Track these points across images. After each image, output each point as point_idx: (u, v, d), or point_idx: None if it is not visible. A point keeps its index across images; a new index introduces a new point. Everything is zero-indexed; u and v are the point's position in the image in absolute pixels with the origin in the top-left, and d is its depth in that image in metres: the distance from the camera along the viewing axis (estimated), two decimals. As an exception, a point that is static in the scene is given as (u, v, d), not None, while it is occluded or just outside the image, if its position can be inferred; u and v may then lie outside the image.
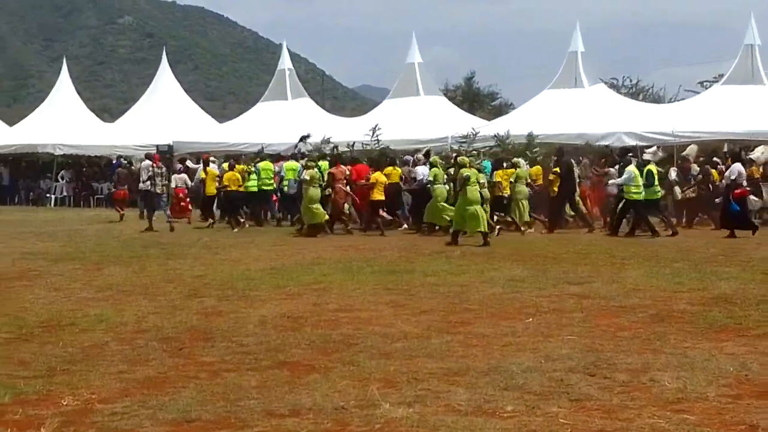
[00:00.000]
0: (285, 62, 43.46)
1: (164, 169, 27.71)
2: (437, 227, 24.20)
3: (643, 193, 23.06)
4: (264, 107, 42.42)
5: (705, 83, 50.89)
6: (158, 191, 26.91)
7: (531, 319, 11.02)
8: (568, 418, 6.90)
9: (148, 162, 27.33)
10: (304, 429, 6.70)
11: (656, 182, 23.50)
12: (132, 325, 10.90)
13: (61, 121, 44.03)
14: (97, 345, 9.72)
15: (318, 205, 24.00)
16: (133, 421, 6.93)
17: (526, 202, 24.94)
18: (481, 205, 21.71)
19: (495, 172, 25.12)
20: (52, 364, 8.78)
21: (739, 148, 27.20)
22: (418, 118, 35.36)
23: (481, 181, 22.73)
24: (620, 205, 23.72)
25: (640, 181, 22.91)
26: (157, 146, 35.96)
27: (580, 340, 9.72)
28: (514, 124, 33.13)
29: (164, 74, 48.44)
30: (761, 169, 27.15)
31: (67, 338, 10.06)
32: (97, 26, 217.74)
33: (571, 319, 11.03)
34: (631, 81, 58.52)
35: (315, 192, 24.12)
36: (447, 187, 24.02)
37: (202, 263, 17.47)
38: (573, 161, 26.06)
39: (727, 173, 24.01)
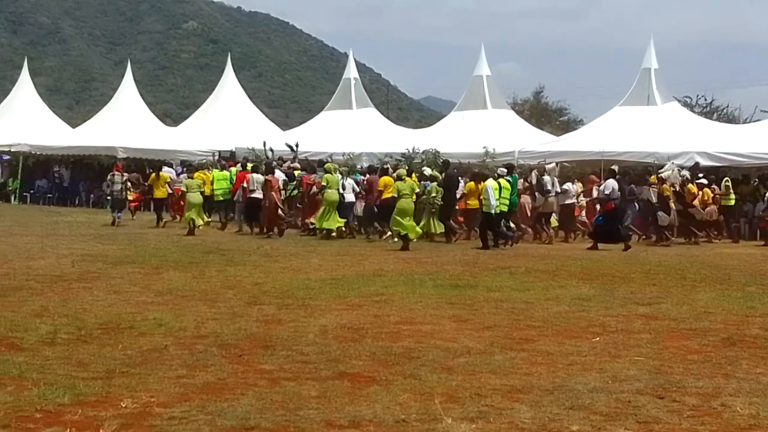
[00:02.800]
0: (351, 71, 43.42)
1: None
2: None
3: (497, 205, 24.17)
4: (328, 116, 42.37)
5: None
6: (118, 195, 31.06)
7: (597, 339, 10.79)
8: (636, 441, 6.69)
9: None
10: (365, 441, 6.56)
11: (503, 196, 24.55)
12: (191, 330, 10.85)
13: (123, 124, 44.31)
14: (156, 349, 9.66)
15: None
16: (191, 426, 6.85)
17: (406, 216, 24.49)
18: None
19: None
20: (111, 367, 8.73)
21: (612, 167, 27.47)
22: (484, 131, 35.06)
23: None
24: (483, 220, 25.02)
25: (497, 194, 24.17)
26: (219, 152, 36.09)
27: (649, 362, 9.49)
28: (583, 141, 32.84)
29: (228, 80, 48.58)
30: (674, 187, 27.59)
31: (126, 341, 10.02)
32: (162, 31, 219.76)
33: (639, 340, 10.78)
34: (705, 100, 57.71)
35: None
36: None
37: (262, 271, 17.42)
38: (457, 175, 27.69)
39: (601, 188, 26.05)
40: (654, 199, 27.27)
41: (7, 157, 45.55)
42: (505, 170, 26.10)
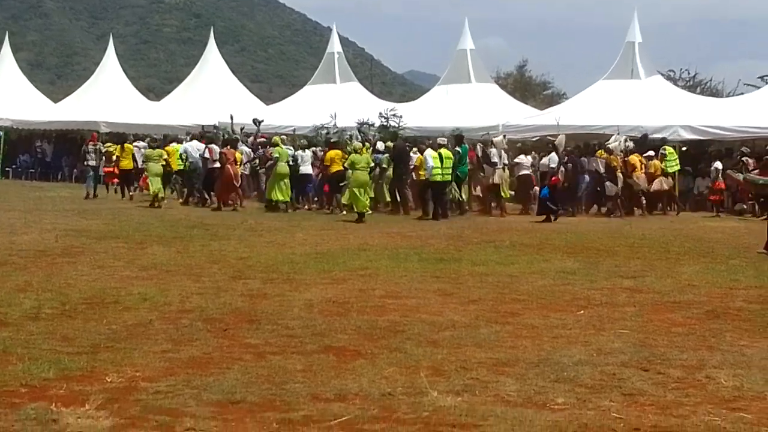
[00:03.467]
0: (334, 45, 43.26)
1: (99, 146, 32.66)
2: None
3: (441, 174, 25.03)
4: (312, 90, 42.24)
5: (765, 78, 50.05)
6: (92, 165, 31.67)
7: (582, 312, 10.83)
8: (621, 413, 6.74)
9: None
10: (351, 414, 6.57)
11: (445, 166, 25.29)
12: (176, 304, 10.83)
13: (106, 98, 44.03)
14: (141, 323, 9.64)
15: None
16: (177, 400, 6.83)
17: (362, 189, 24.90)
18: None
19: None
20: (96, 341, 8.72)
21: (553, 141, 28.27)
22: (468, 106, 35.04)
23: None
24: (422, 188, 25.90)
25: (439, 164, 24.93)
26: (203, 126, 35.92)
27: (633, 335, 9.53)
28: (567, 114, 32.79)
29: (211, 54, 48.28)
30: (620, 157, 27.83)
31: (111, 316, 9.99)
32: (144, 5, 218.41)
33: (624, 313, 10.83)
34: (689, 73, 57.67)
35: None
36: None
37: (247, 245, 17.39)
38: (407, 147, 27.77)
39: (545, 161, 27.02)
40: (602, 170, 27.50)
41: None
42: (445, 140, 27.01)
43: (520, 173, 28.26)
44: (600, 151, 28.14)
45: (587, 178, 27.82)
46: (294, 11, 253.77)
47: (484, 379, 7.60)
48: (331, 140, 29.37)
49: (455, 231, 21.02)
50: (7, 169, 43.59)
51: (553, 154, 26.47)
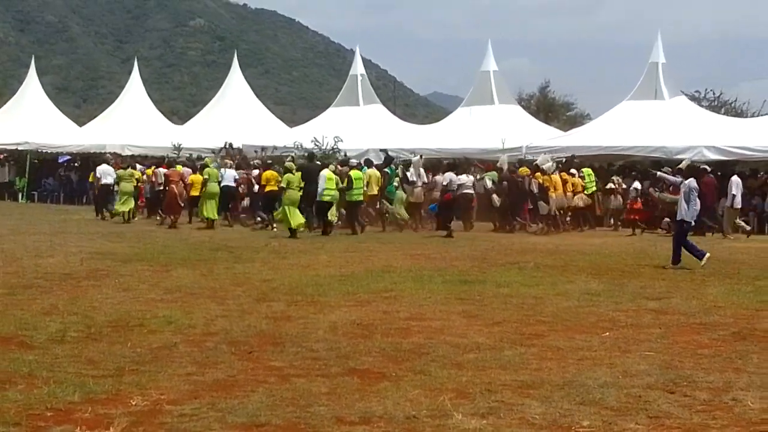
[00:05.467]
0: (357, 68, 43.40)
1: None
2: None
3: (335, 195, 26.28)
4: (335, 112, 42.33)
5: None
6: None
7: (607, 334, 10.77)
8: (648, 436, 6.68)
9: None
10: (375, 437, 6.54)
11: (356, 186, 26.73)
12: (200, 327, 10.84)
13: (130, 122, 44.34)
14: (165, 346, 9.65)
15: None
16: (202, 424, 6.84)
17: (292, 208, 25.72)
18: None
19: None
20: (120, 364, 8.73)
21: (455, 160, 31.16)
22: (492, 127, 35.04)
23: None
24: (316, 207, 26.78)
25: (332, 185, 26.02)
26: (227, 149, 36.10)
27: (659, 357, 9.47)
28: (591, 136, 32.80)
29: (235, 77, 48.51)
30: (553, 176, 28.90)
31: (136, 339, 10.01)
32: (168, 28, 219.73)
33: (649, 334, 10.77)
34: (713, 94, 57.41)
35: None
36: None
37: (271, 268, 17.40)
38: (316, 169, 27.97)
39: (439, 179, 28.29)
40: (536, 190, 28.47)
41: (67, 157, 45.40)
42: (355, 162, 28.94)
43: (461, 192, 28.54)
44: (522, 168, 29.34)
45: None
46: (317, 34, 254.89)
47: (509, 401, 7.57)
48: (268, 162, 30.61)
49: (479, 252, 20.99)
50: (32, 192, 43.83)
51: (449, 174, 28.00)
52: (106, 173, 33.22)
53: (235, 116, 43.44)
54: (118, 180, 31.36)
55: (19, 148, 44.97)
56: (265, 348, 9.65)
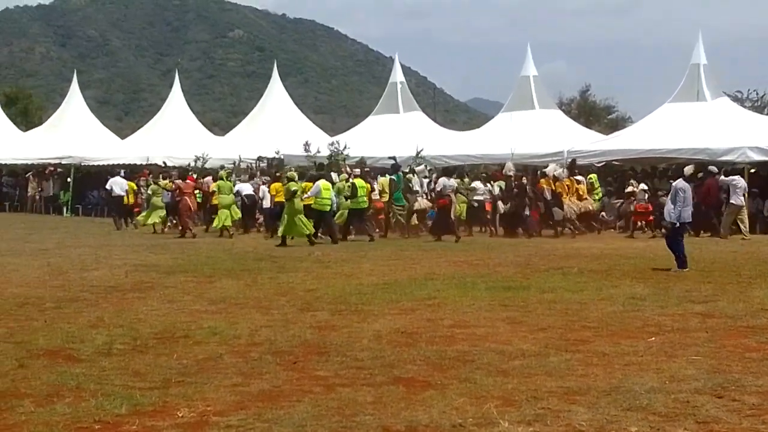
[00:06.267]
0: (397, 75, 43.39)
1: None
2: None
3: (333, 204, 27.09)
4: (376, 120, 42.34)
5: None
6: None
7: (653, 339, 10.69)
8: (696, 441, 6.63)
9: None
10: (422, 446, 6.53)
11: (360, 194, 27.33)
12: (245, 338, 10.87)
13: (172, 134, 44.58)
14: (211, 357, 9.70)
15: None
16: (248, 435, 6.84)
17: (301, 216, 25.98)
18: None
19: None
20: (167, 376, 8.78)
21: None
22: (532, 132, 34.93)
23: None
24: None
25: (329, 194, 26.65)
26: (268, 159, 36.25)
27: (706, 361, 9.38)
28: (633, 139, 32.59)
29: (275, 87, 48.69)
30: (563, 184, 29.10)
31: (181, 350, 10.06)
32: (208, 40, 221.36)
33: (696, 338, 10.67)
34: (756, 94, 56.91)
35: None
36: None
37: (314, 277, 17.43)
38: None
39: (430, 186, 29.35)
40: (549, 196, 28.62)
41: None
42: (358, 170, 29.48)
43: (473, 198, 29.91)
44: (543, 180, 29.11)
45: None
46: (356, 42, 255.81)
47: (555, 408, 7.53)
48: (276, 173, 31.32)
49: (522, 258, 20.90)
50: (76, 206, 44.18)
51: (442, 178, 28.61)
52: (117, 185, 35.08)
53: (276, 126, 43.59)
54: (151, 194, 32.09)
55: (63, 161, 45.38)
56: (309, 358, 9.67)
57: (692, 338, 10.70)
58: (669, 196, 19.39)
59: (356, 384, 8.45)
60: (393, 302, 13.82)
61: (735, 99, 47.89)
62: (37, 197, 46.68)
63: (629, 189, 30.07)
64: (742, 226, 27.62)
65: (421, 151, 32.25)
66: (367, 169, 31.16)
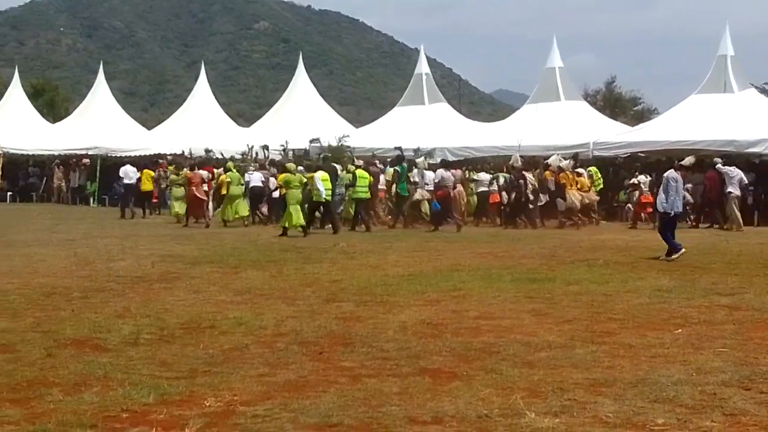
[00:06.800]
0: (422, 67, 43.36)
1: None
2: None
3: (325, 194, 26.65)
4: (401, 112, 42.35)
5: None
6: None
7: (680, 331, 10.64)
8: (723, 434, 6.60)
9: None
10: (448, 437, 6.53)
11: (361, 184, 28.04)
12: (271, 328, 10.89)
13: (198, 125, 44.73)
14: (237, 347, 9.72)
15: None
16: (275, 424, 6.87)
17: (297, 207, 26.20)
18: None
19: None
20: (193, 366, 8.81)
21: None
22: (558, 124, 34.86)
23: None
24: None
25: (328, 186, 26.76)
26: (293, 150, 36.32)
27: (733, 353, 9.34)
28: (659, 131, 32.46)
29: (300, 79, 48.76)
30: (567, 175, 29.66)
31: (208, 340, 10.09)
32: (233, 32, 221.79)
33: (723, 331, 10.62)
34: (784, 85, 56.57)
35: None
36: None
37: (340, 268, 17.44)
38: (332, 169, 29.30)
39: (432, 177, 29.32)
40: (552, 188, 29.43)
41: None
42: (362, 162, 30.02)
43: (478, 190, 31.10)
44: (546, 172, 29.72)
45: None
46: (381, 33, 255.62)
47: (581, 400, 7.51)
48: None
49: (547, 250, 20.87)
50: (103, 196, 44.38)
51: (440, 170, 29.52)
52: (128, 174, 35.73)
53: (301, 117, 43.66)
54: (170, 184, 33.29)
55: (89, 152, 45.62)
56: (335, 348, 9.68)
57: (719, 330, 10.66)
58: (660, 187, 19.46)
59: (382, 375, 8.46)
60: (418, 293, 13.82)
61: (762, 91, 47.58)
62: (64, 188, 46.93)
63: (633, 181, 30.06)
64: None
65: (433, 149, 33.16)
66: (376, 161, 32.04)
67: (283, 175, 27.32)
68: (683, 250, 18.68)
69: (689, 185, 26.32)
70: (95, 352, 9.46)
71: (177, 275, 16.20)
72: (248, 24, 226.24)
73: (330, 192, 27.02)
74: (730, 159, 29.42)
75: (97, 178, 44.75)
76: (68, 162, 47.37)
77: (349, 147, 33.83)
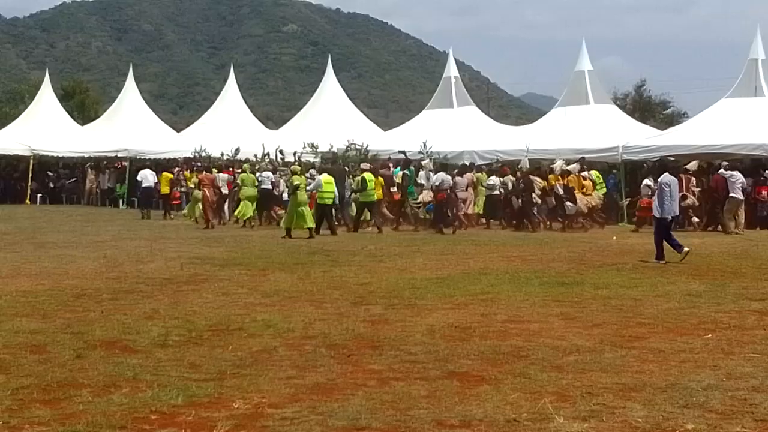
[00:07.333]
0: (451, 70, 43.21)
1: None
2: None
3: (335, 198, 27.53)
4: (429, 115, 42.25)
5: None
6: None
7: (710, 335, 10.60)
8: (754, 439, 6.56)
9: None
10: (476, 441, 6.52)
11: (369, 187, 28.08)
12: (299, 331, 10.91)
13: (227, 127, 44.74)
14: (265, 350, 9.74)
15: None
16: (303, 427, 6.89)
17: (305, 208, 26.48)
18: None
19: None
20: (222, 368, 8.83)
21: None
22: (587, 127, 34.71)
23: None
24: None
25: (331, 188, 27.20)
26: (321, 153, 36.33)
27: (764, 359, 9.30)
28: (689, 135, 32.27)
29: (329, 82, 48.73)
30: (574, 179, 29.82)
31: (236, 342, 10.12)
32: (262, 34, 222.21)
33: (754, 336, 10.57)
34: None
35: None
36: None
37: (367, 271, 17.45)
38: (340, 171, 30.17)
39: (433, 179, 29.25)
40: (560, 192, 29.34)
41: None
42: (368, 165, 29.62)
43: (488, 193, 30.94)
44: (552, 176, 29.88)
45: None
46: (409, 36, 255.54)
47: (610, 404, 7.49)
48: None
49: (576, 254, 20.80)
50: (132, 198, 44.55)
51: (441, 173, 29.44)
52: (147, 177, 37.29)
53: (330, 120, 43.50)
54: (194, 187, 33.38)
55: (119, 155, 45.87)
56: (363, 351, 9.69)
57: (749, 335, 10.60)
58: (656, 192, 19.53)
59: (410, 378, 8.46)
60: (446, 297, 13.81)
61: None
62: (95, 190, 47.19)
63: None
64: (737, 221, 28.12)
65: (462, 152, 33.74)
66: (390, 164, 32.43)
67: (290, 178, 27.60)
68: (687, 249, 18.92)
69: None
70: (124, 354, 9.51)
71: (205, 277, 16.26)
72: (277, 27, 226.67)
73: (332, 195, 27.29)
74: (733, 163, 29.37)
75: (126, 180, 44.91)
76: (98, 164, 47.64)
77: (358, 151, 34.14)
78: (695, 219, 29.05)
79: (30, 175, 47.61)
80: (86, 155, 48.20)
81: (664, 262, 18.64)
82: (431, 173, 30.17)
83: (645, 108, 64.59)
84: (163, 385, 8.12)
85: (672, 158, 30.88)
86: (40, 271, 16.93)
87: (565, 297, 13.76)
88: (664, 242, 19.07)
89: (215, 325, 11.25)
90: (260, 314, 12.10)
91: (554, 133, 34.84)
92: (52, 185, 49.77)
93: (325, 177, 27.22)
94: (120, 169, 46.35)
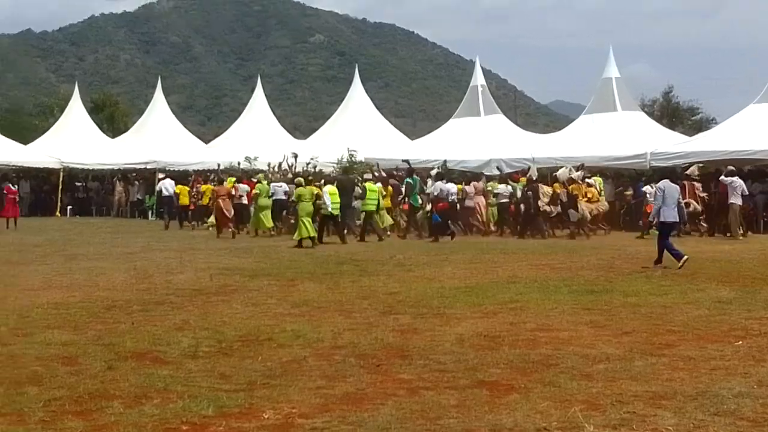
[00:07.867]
0: (478, 78, 43.24)
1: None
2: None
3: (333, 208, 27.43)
4: (456, 123, 42.26)
5: None
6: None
7: (740, 343, 10.54)
8: (786, 447, 6.53)
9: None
10: (506, 451, 6.51)
11: (368, 197, 28.63)
12: (328, 341, 10.93)
13: (255, 138, 44.85)
14: (295, 360, 9.77)
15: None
16: (333, 437, 6.89)
17: (306, 219, 26.66)
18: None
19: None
20: (252, 378, 8.86)
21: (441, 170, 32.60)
22: (615, 134, 34.63)
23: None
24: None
25: (336, 199, 27.44)
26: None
27: (795, 366, 9.22)
28: (717, 140, 32.14)
29: (356, 91, 48.79)
30: (579, 186, 30.23)
31: (266, 353, 10.15)
32: (289, 45, 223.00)
33: (785, 343, 10.49)
34: None
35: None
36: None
37: (396, 280, 17.44)
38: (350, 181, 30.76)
39: (430, 190, 29.82)
40: (564, 199, 29.78)
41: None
42: (370, 176, 30.44)
43: (499, 201, 31.73)
44: (556, 185, 30.35)
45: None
46: (436, 45, 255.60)
47: (641, 412, 7.47)
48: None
49: (605, 261, 20.74)
50: (161, 210, 44.71)
51: (438, 183, 29.64)
52: (167, 187, 38.43)
53: (357, 130, 43.56)
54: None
55: (148, 166, 46.06)
56: (392, 361, 9.69)
57: (780, 343, 10.54)
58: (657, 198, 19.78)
59: (439, 387, 8.46)
60: (475, 305, 13.79)
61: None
62: (123, 202, 47.46)
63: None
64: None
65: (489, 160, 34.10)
66: (400, 173, 32.94)
67: (297, 190, 27.78)
68: (685, 257, 18.90)
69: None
70: (155, 365, 9.55)
71: (235, 288, 16.30)
72: (304, 37, 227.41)
73: (337, 205, 27.58)
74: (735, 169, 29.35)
75: (155, 192, 45.08)
76: (127, 176, 47.92)
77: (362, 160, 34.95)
78: (704, 225, 29.06)
79: (60, 187, 47.93)
80: (115, 167, 48.46)
81: (684, 258, 18.74)
82: (429, 180, 30.74)
83: (673, 114, 64.33)
84: (194, 396, 8.16)
85: (701, 164, 30.79)
86: (71, 283, 17.03)
87: (594, 305, 13.72)
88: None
89: (245, 336, 11.29)
90: (289, 324, 12.12)
91: (582, 141, 34.78)
92: (79, 196, 50.11)
93: (329, 188, 27.43)
94: (149, 181, 46.57)
